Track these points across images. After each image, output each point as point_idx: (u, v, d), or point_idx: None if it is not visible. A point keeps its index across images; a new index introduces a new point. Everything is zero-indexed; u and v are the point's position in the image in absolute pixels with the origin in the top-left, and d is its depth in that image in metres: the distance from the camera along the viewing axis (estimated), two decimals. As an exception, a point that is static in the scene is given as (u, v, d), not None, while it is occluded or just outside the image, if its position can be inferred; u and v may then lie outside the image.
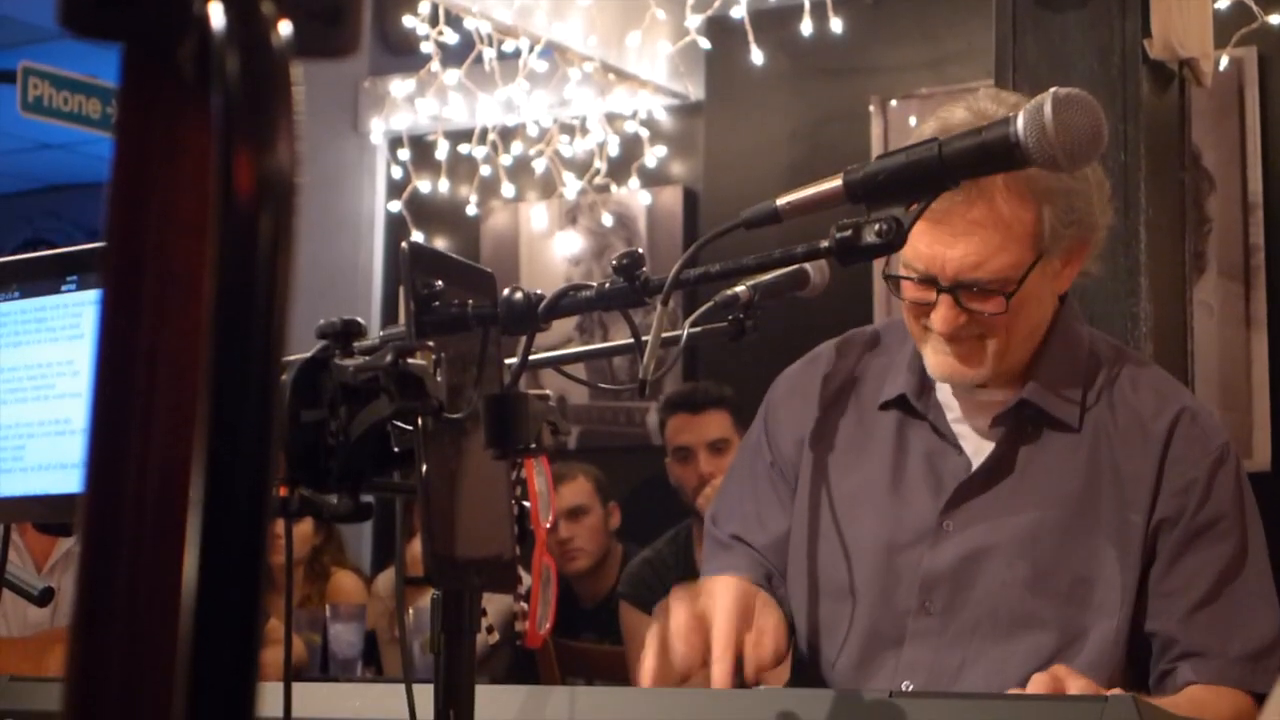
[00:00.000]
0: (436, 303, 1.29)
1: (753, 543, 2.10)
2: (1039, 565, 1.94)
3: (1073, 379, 1.99)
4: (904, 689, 1.92)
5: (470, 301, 1.31)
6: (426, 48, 5.75)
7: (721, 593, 1.84)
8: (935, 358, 1.96)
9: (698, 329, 1.79)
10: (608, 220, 5.98)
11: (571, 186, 5.95)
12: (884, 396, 2.06)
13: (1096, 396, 2.00)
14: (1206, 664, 1.90)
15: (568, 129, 5.94)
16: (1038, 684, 1.71)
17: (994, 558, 1.96)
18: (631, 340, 1.44)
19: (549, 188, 6.04)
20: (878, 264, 1.63)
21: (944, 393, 2.03)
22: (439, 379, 1.22)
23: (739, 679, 1.78)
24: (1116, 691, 1.52)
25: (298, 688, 1.30)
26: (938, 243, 1.86)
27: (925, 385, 2.02)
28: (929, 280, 1.89)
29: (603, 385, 2.07)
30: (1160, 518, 1.94)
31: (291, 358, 1.20)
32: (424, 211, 6.19)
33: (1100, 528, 1.95)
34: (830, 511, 2.05)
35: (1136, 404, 1.99)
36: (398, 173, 6.24)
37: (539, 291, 1.36)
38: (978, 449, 2.01)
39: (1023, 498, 1.98)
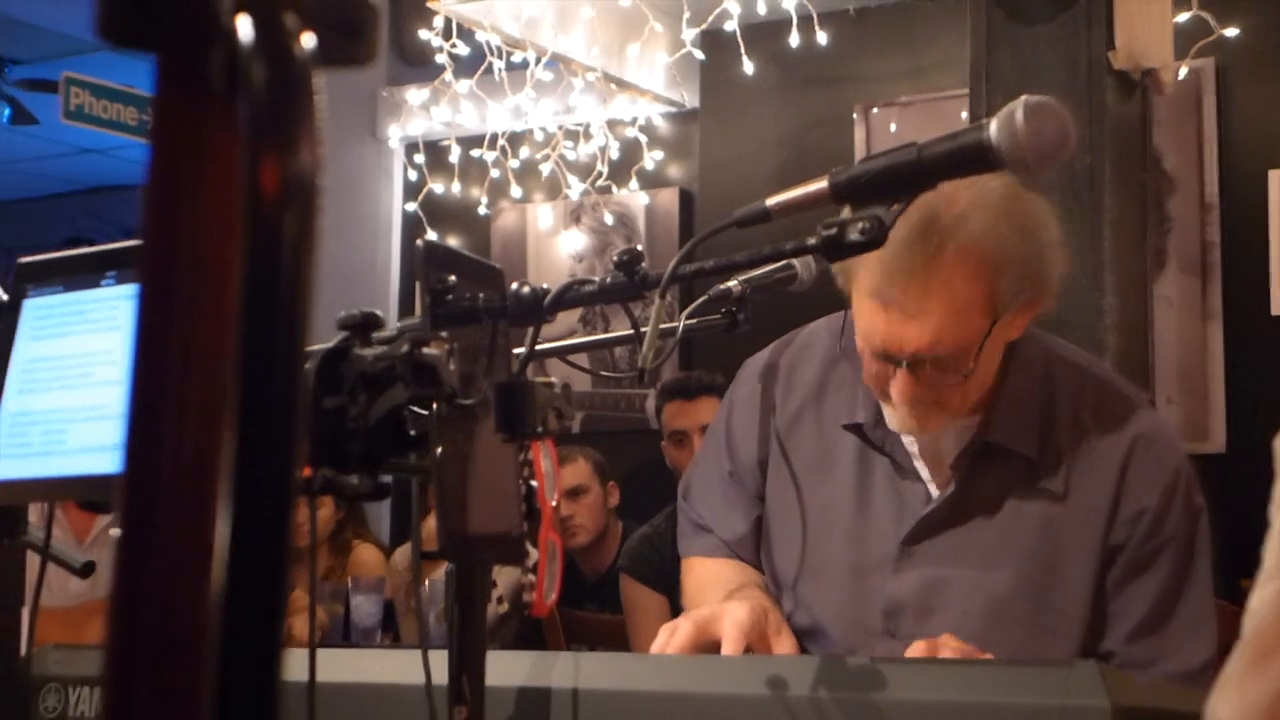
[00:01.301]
0: (450, 297, 1.28)
1: (721, 537, 2.08)
2: (999, 594, 1.89)
3: (1029, 411, 1.92)
4: None
5: (481, 295, 1.31)
6: (440, 59, 5.75)
7: (733, 614, 1.80)
8: (894, 416, 1.89)
9: (693, 321, 1.78)
10: (609, 219, 5.97)
11: (575, 188, 5.94)
12: (844, 419, 1.99)
13: (1054, 426, 1.92)
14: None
15: (572, 134, 5.93)
16: (916, 651, 1.68)
17: (955, 586, 1.90)
18: (631, 331, 1.44)
19: (554, 189, 6.03)
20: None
21: None
22: (452, 367, 1.22)
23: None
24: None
25: (321, 654, 1.30)
26: (893, 325, 1.80)
27: (881, 415, 1.94)
28: (889, 358, 1.83)
29: (605, 373, 2.05)
30: (1113, 544, 1.89)
31: (314, 348, 1.20)
32: (438, 212, 6.19)
33: (1059, 557, 1.89)
34: (801, 529, 1.99)
35: (1093, 430, 1.92)
36: (413, 176, 6.23)
37: (545, 286, 1.36)
38: (935, 477, 1.95)
39: (982, 530, 1.91)
